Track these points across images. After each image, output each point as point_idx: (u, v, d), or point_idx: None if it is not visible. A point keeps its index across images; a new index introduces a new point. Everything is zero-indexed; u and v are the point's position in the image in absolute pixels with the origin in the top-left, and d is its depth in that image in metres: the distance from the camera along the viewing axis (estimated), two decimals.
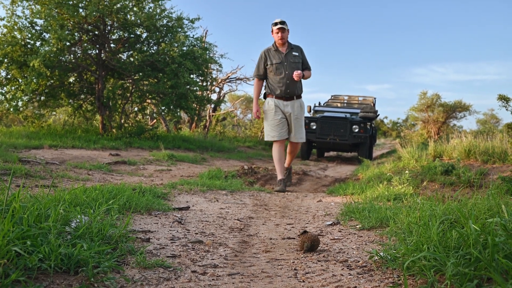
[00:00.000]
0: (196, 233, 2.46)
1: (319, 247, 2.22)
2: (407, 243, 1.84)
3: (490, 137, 6.60)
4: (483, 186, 4.37)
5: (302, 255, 2.07)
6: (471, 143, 6.13)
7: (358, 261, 1.94)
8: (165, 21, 11.35)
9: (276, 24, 5.38)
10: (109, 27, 11.01)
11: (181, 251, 2.04)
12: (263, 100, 5.70)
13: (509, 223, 1.54)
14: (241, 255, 2.07)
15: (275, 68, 5.40)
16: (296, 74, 5.24)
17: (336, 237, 2.48)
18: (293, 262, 1.95)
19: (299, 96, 5.54)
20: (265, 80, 5.63)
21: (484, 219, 1.87)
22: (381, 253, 1.84)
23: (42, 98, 11.32)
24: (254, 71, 5.61)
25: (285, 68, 5.38)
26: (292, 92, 5.43)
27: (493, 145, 5.77)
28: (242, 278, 1.73)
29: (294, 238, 2.45)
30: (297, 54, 5.48)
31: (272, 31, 5.47)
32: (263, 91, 5.69)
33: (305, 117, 11.88)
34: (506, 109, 6.78)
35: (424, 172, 5.26)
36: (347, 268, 1.85)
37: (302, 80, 5.63)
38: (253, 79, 18.43)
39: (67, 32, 9.59)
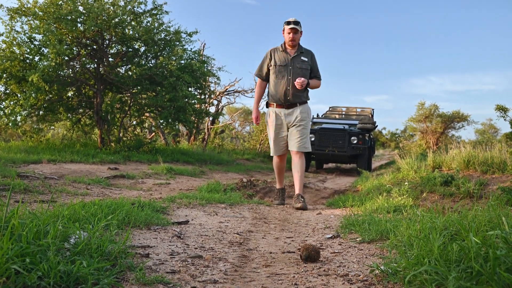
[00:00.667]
0: (196, 248, 2.44)
1: (319, 259, 2.21)
2: (408, 256, 1.83)
3: (489, 147, 6.61)
4: (483, 196, 4.37)
5: (302, 269, 2.06)
6: (470, 153, 6.14)
7: (359, 275, 1.93)
8: (163, 35, 11.41)
9: (289, 23, 4.90)
10: (107, 42, 11.06)
11: (181, 266, 2.02)
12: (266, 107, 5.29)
13: (510, 235, 1.53)
14: (241, 270, 2.06)
15: (277, 70, 4.90)
16: (298, 81, 4.70)
17: (336, 251, 2.47)
18: (294, 276, 1.94)
19: (303, 103, 4.99)
20: (267, 86, 5.17)
21: (485, 231, 1.87)
22: (382, 267, 1.83)
23: (41, 112, 11.32)
24: (256, 69, 5.15)
25: (288, 72, 4.86)
26: (294, 100, 4.88)
27: (492, 155, 5.78)
28: None
29: (294, 252, 2.44)
30: (306, 59, 4.93)
31: (283, 30, 4.98)
32: (265, 97, 5.31)
33: None
34: (504, 119, 6.81)
35: (423, 183, 5.25)
36: (348, 283, 1.84)
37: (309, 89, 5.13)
38: (251, 92, 18.09)
39: (65, 46, 9.62)
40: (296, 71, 4.87)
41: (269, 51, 5.05)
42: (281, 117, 4.94)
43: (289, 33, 4.87)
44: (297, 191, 4.87)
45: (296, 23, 4.89)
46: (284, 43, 4.98)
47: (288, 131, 4.96)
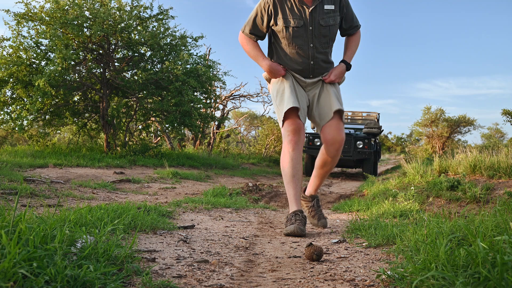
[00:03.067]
0: (202, 252, 2.44)
1: (325, 266, 2.21)
2: (415, 261, 1.82)
3: (495, 151, 6.58)
4: (489, 201, 4.34)
5: (309, 274, 2.06)
6: (476, 158, 6.11)
7: (366, 280, 1.92)
8: (168, 40, 11.47)
9: None
10: (113, 46, 11.12)
11: (187, 271, 2.03)
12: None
13: None
14: (247, 274, 2.05)
15: (290, 34, 3.17)
16: (332, 78, 3.27)
17: (342, 255, 2.46)
18: (300, 281, 1.94)
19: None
20: (271, 48, 3.43)
21: (492, 236, 1.86)
22: (389, 272, 1.82)
23: (47, 117, 11.40)
24: (244, 23, 3.34)
25: (309, 36, 3.18)
26: (319, 72, 3.31)
27: (499, 160, 5.74)
28: None
29: (300, 257, 2.44)
30: (331, 7, 3.19)
31: None
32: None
33: (309, 133, 11.91)
34: (511, 124, 6.78)
35: (429, 188, 5.23)
36: None
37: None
38: (257, 96, 17.90)
39: (72, 51, 9.68)
40: (320, 32, 3.20)
41: (270, 1, 3.16)
42: (297, 78, 3.32)
43: None
44: (312, 191, 3.61)
45: None
46: None
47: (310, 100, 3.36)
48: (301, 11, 3.14)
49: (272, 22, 3.22)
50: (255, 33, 3.31)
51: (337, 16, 3.23)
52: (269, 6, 3.16)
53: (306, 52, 3.21)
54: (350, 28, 3.40)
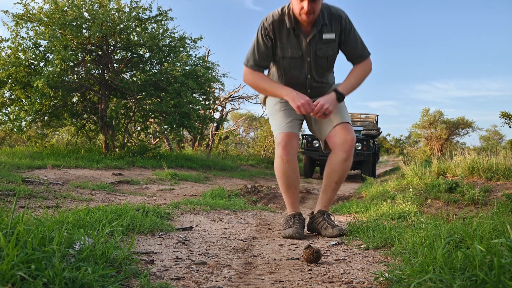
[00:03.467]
0: (200, 254, 2.44)
1: (323, 268, 2.21)
2: (413, 264, 1.83)
3: (493, 153, 6.60)
4: (487, 203, 4.35)
5: (307, 276, 2.06)
6: (474, 160, 6.12)
7: (364, 283, 1.93)
8: (167, 41, 11.48)
9: None
10: (112, 47, 11.12)
11: (185, 273, 2.03)
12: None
13: None
14: (246, 276, 2.06)
15: (286, 64, 3.02)
16: (320, 114, 2.88)
17: (340, 258, 2.47)
18: (298, 283, 1.94)
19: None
20: (268, 73, 3.25)
21: (490, 239, 1.86)
22: (387, 274, 1.83)
23: (46, 118, 11.39)
24: (247, 56, 3.05)
25: (307, 66, 3.02)
26: (318, 96, 3.11)
27: (497, 162, 5.76)
28: None
29: (299, 259, 2.44)
30: (331, 36, 2.93)
31: None
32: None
33: (307, 135, 11.91)
34: (509, 126, 6.81)
35: (428, 190, 5.24)
36: None
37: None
38: (255, 97, 18.02)
39: (70, 52, 9.68)
40: (318, 62, 3.02)
41: (267, 24, 2.93)
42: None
43: (301, 1, 2.75)
44: (321, 206, 3.29)
45: None
46: (293, 13, 2.88)
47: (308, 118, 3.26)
48: (298, 41, 2.95)
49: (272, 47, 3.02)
50: (262, 63, 3.03)
51: (336, 44, 3.00)
52: (269, 32, 2.94)
53: (304, 82, 3.09)
54: (354, 57, 3.06)
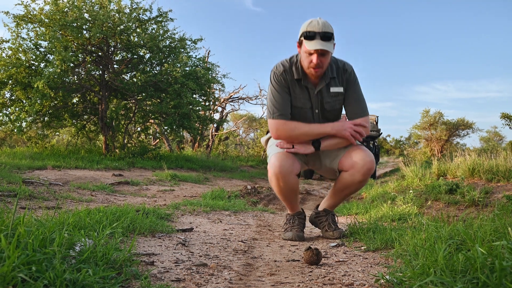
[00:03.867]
0: (200, 256, 2.44)
1: (324, 270, 2.21)
2: (413, 266, 1.83)
3: (494, 155, 6.60)
4: (488, 205, 4.35)
5: (307, 278, 2.06)
6: (475, 161, 6.12)
7: (364, 285, 1.92)
8: (168, 42, 11.48)
9: (311, 35, 2.74)
10: (112, 48, 11.12)
11: (186, 274, 2.02)
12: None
13: None
14: (246, 278, 2.05)
15: (297, 113, 2.98)
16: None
17: (341, 259, 2.46)
18: (299, 285, 1.94)
19: None
20: None
21: (491, 241, 1.86)
22: (387, 276, 1.82)
23: (46, 118, 11.40)
24: (270, 109, 2.94)
25: (315, 118, 3.01)
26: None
27: (497, 163, 5.76)
28: None
29: (299, 261, 2.44)
30: (339, 90, 2.95)
31: (299, 41, 2.85)
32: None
33: None
34: (510, 127, 6.80)
35: (428, 191, 5.24)
36: None
37: None
38: (255, 98, 17.58)
39: (71, 53, 9.69)
40: (325, 115, 3.03)
41: (280, 76, 2.92)
42: None
43: (310, 55, 2.79)
44: (327, 206, 3.28)
45: (327, 36, 2.74)
46: (300, 65, 2.91)
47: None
48: (307, 93, 2.94)
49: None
50: (287, 111, 2.92)
51: (342, 97, 2.98)
52: (281, 80, 2.92)
53: None
54: (351, 113, 2.98)
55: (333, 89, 2.93)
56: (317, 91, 2.92)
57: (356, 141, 2.97)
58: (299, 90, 2.93)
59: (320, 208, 3.28)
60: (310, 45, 2.72)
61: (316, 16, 2.83)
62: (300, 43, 2.84)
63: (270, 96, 2.96)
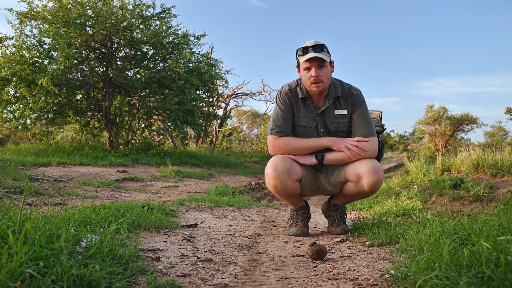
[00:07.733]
0: (205, 251, 2.45)
1: (329, 265, 2.21)
2: (418, 261, 1.83)
3: (498, 150, 6.58)
4: (493, 200, 4.34)
5: (312, 273, 2.06)
6: (479, 156, 6.11)
7: (369, 279, 1.93)
8: (171, 38, 11.48)
9: (305, 50, 2.87)
10: (116, 45, 11.13)
11: (191, 270, 2.03)
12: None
13: None
14: (251, 273, 2.06)
15: (302, 132, 3.03)
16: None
17: (345, 254, 2.47)
18: (304, 280, 1.94)
19: None
20: None
21: (496, 236, 1.86)
22: (392, 271, 1.83)
23: (50, 115, 11.43)
24: (270, 126, 3.04)
25: (321, 136, 3.03)
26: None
27: (502, 158, 5.74)
28: None
29: (304, 256, 2.44)
30: (344, 112, 2.99)
31: (297, 64, 2.99)
32: None
33: None
34: None
35: (432, 186, 5.24)
36: (358, 287, 1.85)
37: None
38: (259, 94, 17.74)
39: (74, 50, 9.70)
40: (330, 135, 3.03)
41: (284, 96, 3.01)
42: None
43: (307, 69, 2.88)
44: (338, 201, 3.26)
45: (318, 47, 2.85)
46: (303, 86, 3.00)
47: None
48: (311, 113, 2.99)
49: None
50: (286, 129, 2.98)
51: (347, 119, 3.02)
52: (286, 100, 3.00)
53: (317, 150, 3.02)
54: (359, 134, 3.00)
55: (337, 111, 2.98)
56: (321, 111, 2.98)
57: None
58: (304, 109, 3.00)
59: (333, 202, 3.27)
60: (304, 58, 2.84)
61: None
62: (298, 65, 2.97)
63: (272, 114, 3.05)
